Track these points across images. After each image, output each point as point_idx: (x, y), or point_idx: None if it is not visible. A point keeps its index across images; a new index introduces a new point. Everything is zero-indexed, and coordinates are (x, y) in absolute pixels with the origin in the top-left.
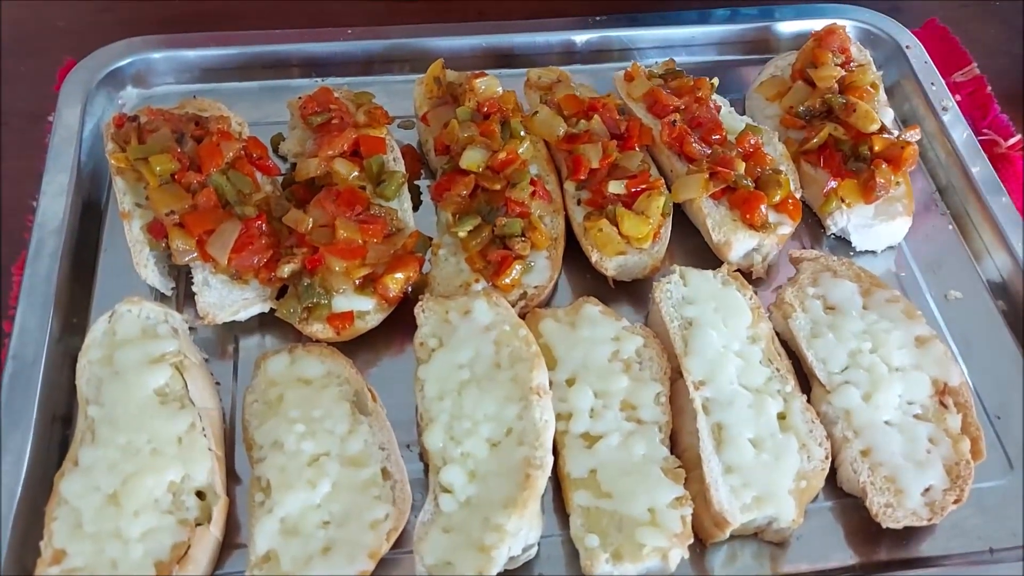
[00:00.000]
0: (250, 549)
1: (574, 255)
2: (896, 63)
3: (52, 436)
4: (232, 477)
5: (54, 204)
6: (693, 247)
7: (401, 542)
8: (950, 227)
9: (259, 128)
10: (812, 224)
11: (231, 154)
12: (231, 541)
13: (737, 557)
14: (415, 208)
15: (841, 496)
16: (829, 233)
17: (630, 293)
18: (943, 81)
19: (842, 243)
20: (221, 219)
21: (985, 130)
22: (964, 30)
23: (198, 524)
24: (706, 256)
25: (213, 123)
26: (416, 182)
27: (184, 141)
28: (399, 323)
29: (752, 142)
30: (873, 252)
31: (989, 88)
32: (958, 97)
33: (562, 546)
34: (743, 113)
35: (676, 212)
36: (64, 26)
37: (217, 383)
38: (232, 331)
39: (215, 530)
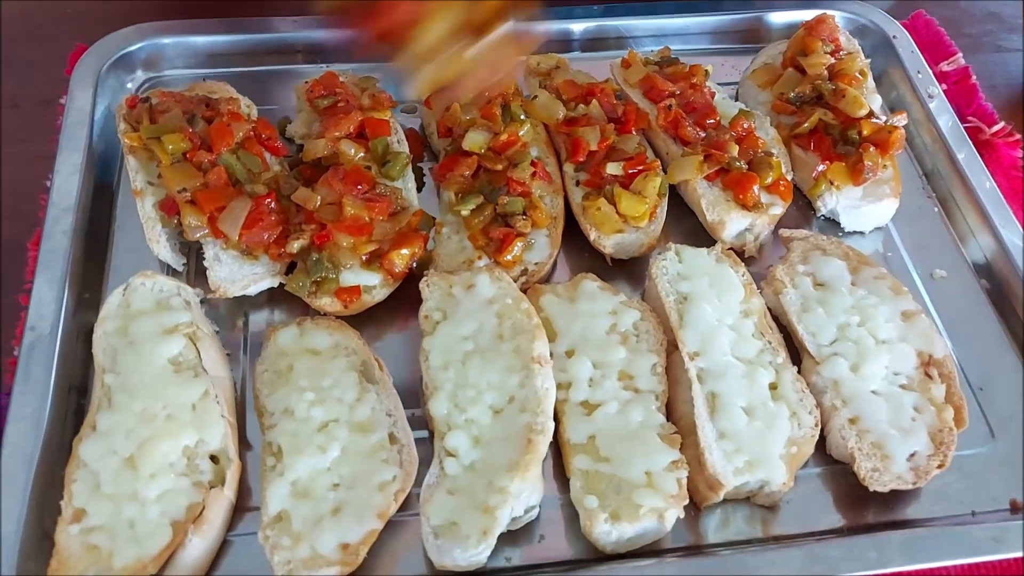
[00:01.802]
0: (262, 510)
1: (572, 235)
2: (884, 52)
3: (68, 405)
4: (243, 443)
5: (67, 183)
6: (688, 228)
7: (407, 505)
8: (935, 210)
9: (265, 113)
10: (802, 206)
11: (241, 134)
12: (243, 504)
13: (730, 520)
14: (418, 190)
15: (830, 463)
16: (819, 214)
17: (627, 271)
18: (929, 69)
19: (831, 224)
20: (232, 196)
21: (970, 117)
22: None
23: (212, 487)
24: (700, 237)
25: (223, 104)
26: (419, 164)
27: (195, 121)
28: (404, 299)
29: (745, 126)
30: (861, 233)
31: (974, 78)
32: (944, 86)
33: (561, 510)
34: (736, 100)
35: (671, 195)
36: (73, 13)
37: (228, 354)
38: (242, 306)
39: (228, 492)
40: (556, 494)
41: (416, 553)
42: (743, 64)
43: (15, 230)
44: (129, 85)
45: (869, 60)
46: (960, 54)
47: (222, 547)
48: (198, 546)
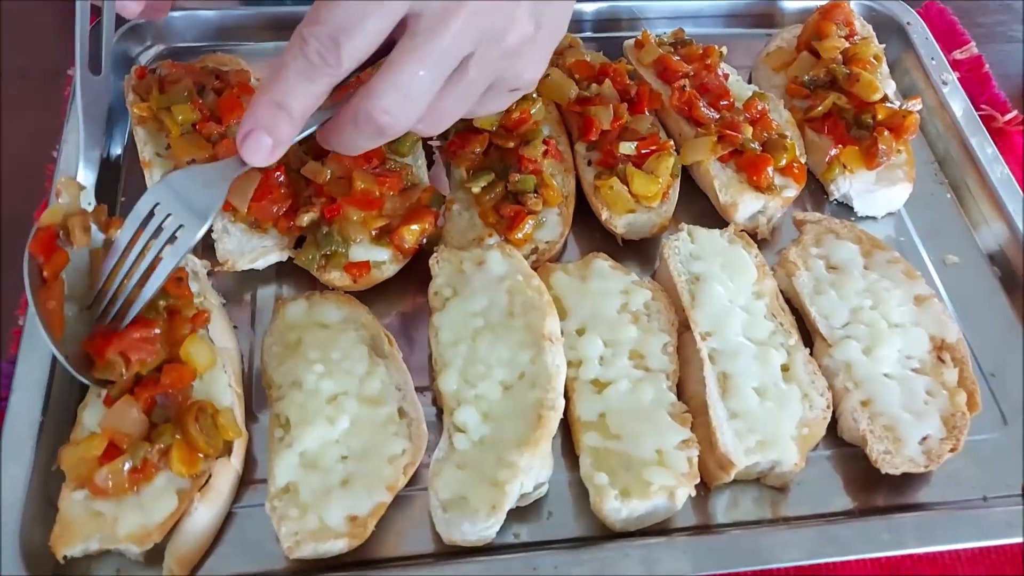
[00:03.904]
0: (270, 482)
1: (583, 216)
2: (897, 39)
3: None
4: (249, 417)
5: (74, 155)
6: (700, 211)
7: (415, 481)
8: (948, 196)
9: None
10: (815, 191)
11: None
12: (249, 477)
13: (739, 501)
14: (427, 168)
15: (840, 445)
16: (831, 199)
17: (638, 252)
18: (943, 56)
19: (844, 210)
20: None
21: (983, 106)
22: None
23: (218, 457)
24: (712, 220)
25: (233, 76)
26: (428, 142)
27: (205, 93)
28: (413, 276)
29: (759, 108)
30: (874, 218)
31: (987, 67)
32: (957, 74)
33: (569, 488)
34: (749, 83)
35: (683, 178)
36: None
37: (235, 327)
38: (250, 280)
39: (235, 462)
40: (565, 472)
41: (424, 529)
42: (756, 48)
43: (21, 200)
44: (139, 58)
45: (883, 46)
46: (973, 43)
47: (227, 519)
48: (204, 515)
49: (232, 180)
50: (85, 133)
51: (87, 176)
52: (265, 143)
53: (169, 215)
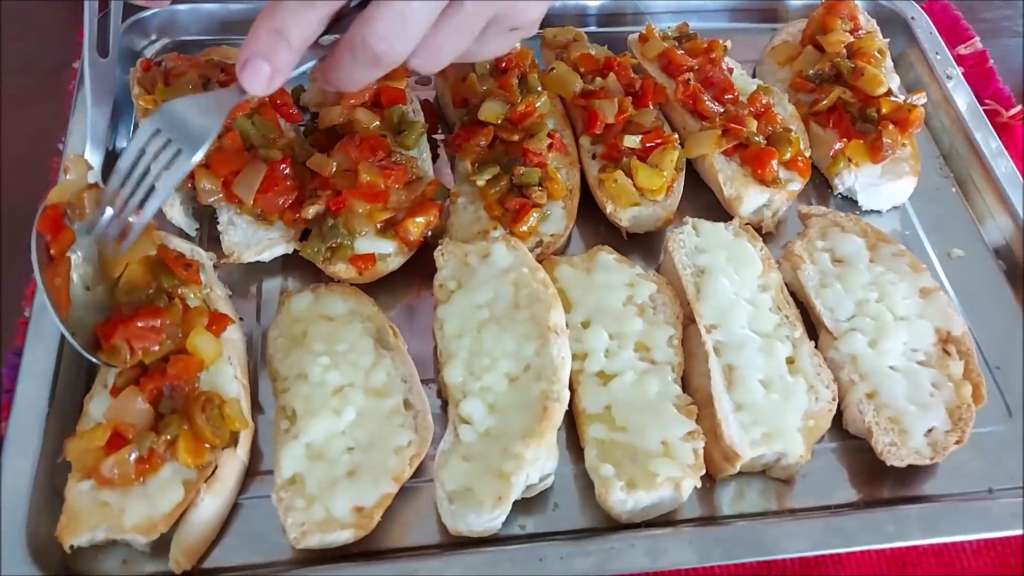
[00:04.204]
0: (276, 473)
1: (587, 210)
2: (901, 34)
3: (81, 364)
4: (255, 408)
5: (79, 147)
6: (704, 205)
7: (420, 472)
8: (953, 190)
9: None
10: (819, 185)
11: (255, 100)
12: (255, 468)
13: (744, 494)
14: (432, 162)
15: (845, 438)
16: (836, 193)
17: (642, 246)
18: (947, 50)
19: (848, 204)
20: (246, 161)
21: (987, 100)
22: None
23: (224, 448)
24: (717, 214)
25: None
26: (433, 136)
27: (210, 86)
28: (418, 269)
29: (763, 102)
30: (878, 212)
31: (991, 62)
32: (961, 69)
33: (574, 480)
34: (754, 78)
35: (687, 173)
36: None
37: (241, 318)
38: (255, 273)
39: (241, 453)
40: (570, 464)
41: (430, 520)
42: (761, 43)
43: (23, 195)
44: (144, 52)
45: (887, 40)
46: (977, 38)
47: (233, 510)
48: (210, 505)
49: (230, 108)
50: (92, 113)
51: (94, 157)
52: (264, 70)
53: (169, 141)
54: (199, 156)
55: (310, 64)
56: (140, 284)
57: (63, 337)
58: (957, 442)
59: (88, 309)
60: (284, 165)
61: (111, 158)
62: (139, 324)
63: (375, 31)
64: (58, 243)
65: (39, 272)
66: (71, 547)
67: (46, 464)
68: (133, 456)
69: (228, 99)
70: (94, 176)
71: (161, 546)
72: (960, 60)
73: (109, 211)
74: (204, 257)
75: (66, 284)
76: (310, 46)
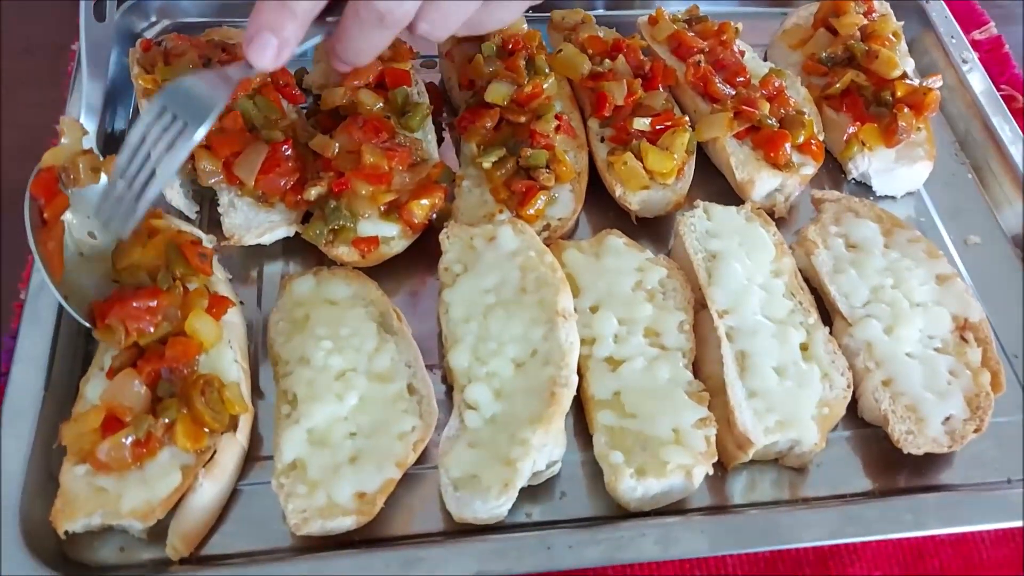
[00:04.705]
0: (276, 458)
1: (596, 196)
2: (916, 18)
3: (77, 348)
4: (255, 393)
5: (75, 111)
6: (715, 190)
7: (424, 459)
8: (969, 176)
9: None
10: (832, 170)
11: (257, 80)
12: (254, 454)
13: (757, 483)
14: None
15: (860, 426)
16: (850, 178)
17: (651, 231)
18: (963, 35)
19: (862, 190)
20: (248, 142)
21: (1003, 86)
22: None
23: (224, 432)
24: (728, 199)
25: (240, 49)
26: (438, 119)
27: (210, 66)
28: (422, 253)
29: (776, 84)
30: (892, 198)
31: (1007, 47)
32: (976, 55)
33: (582, 467)
34: (765, 62)
35: (698, 158)
36: None
37: (241, 302)
38: (256, 256)
39: (241, 437)
40: (577, 452)
41: (434, 507)
42: (772, 27)
43: (24, 175)
44: (143, 34)
45: (902, 24)
46: (992, 23)
47: (232, 497)
48: (208, 491)
49: (237, 83)
50: (88, 79)
51: (89, 123)
52: (271, 43)
53: (175, 117)
54: (204, 130)
55: (316, 39)
56: (145, 264)
57: (59, 320)
58: (976, 430)
59: (82, 274)
60: (286, 146)
61: (110, 142)
62: (134, 304)
63: None
64: (52, 207)
65: (31, 234)
66: (66, 533)
67: (41, 448)
68: (129, 440)
69: (235, 74)
70: (89, 142)
71: (158, 533)
72: (975, 45)
73: (119, 184)
74: (204, 240)
75: (59, 248)
76: (316, 21)
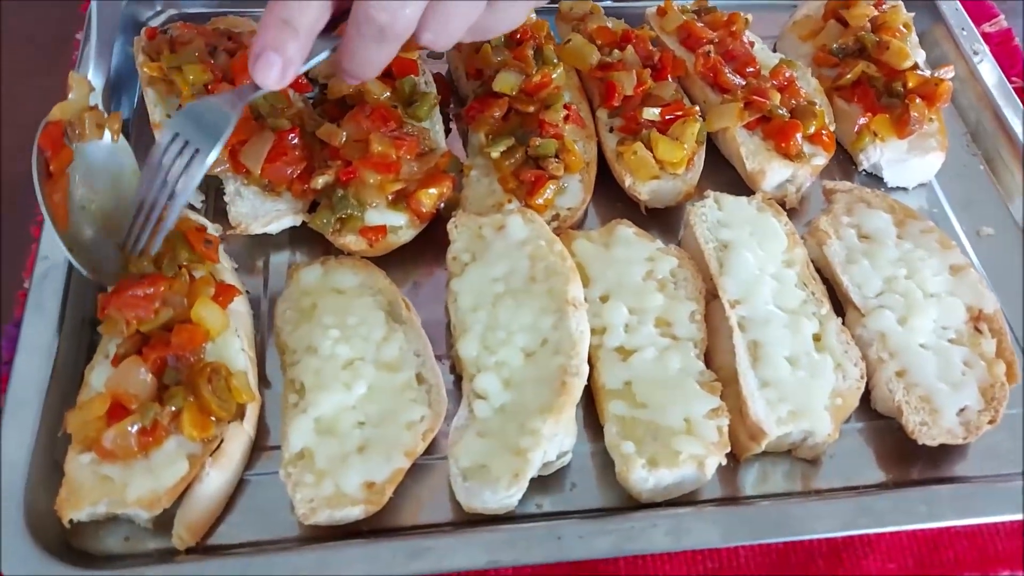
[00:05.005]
0: (284, 448)
1: (605, 187)
2: (926, 10)
3: (82, 338)
4: (262, 383)
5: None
6: (726, 181)
7: (434, 449)
8: (981, 167)
9: None
10: (843, 161)
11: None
12: (262, 444)
13: (769, 475)
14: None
15: (873, 418)
16: (861, 169)
17: (661, 221)
18: (974, 27)
19: (874, 182)
20: (254, 131)
21: (1013, 78)
22: None
23: (231, 421)
24: (738, 191)
25: (247, 37)
26: (445, 110)
27: (217, 54)
28: (429, 243)
29: (787, 75)
30: (904, 189)
31: (1017, 40)
32: (987, 47)
33: (592, 459)
34: (775, 54)
35: (708, 149)
36: None
37: (247, 291)
38: (262, 245)
39: (248, 427)
40: (587, 443)
41: (443, 497)
42: (781, 19)
43: (27, 166)
44: (149, 23)
45: (912, 15)
46: (1002, 16)
47: (239, 487)
48: (215, 480)
49: (245, 103)
50: (97, 38)
51: (96, 80)
52: (275, 63)
53: (187, 142)
54: (215, 154)
55: (323, 55)
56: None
57: (64, 308)
58: (991, 421)
59: (84, 226)
60: (293, 135)
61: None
62: (130, 293)
63: (375, 2)
64: (58, 160)
65: (39, 186)
66: (70, 522)
67: (45, 437)
68: (135, 428)
69: (242, 95)
70: (95, 98)
71: (164, 523)
72: (985, 38)
73: (136, 220)
74: (210, 228)
75: (64, 201)
76: (322, 36)
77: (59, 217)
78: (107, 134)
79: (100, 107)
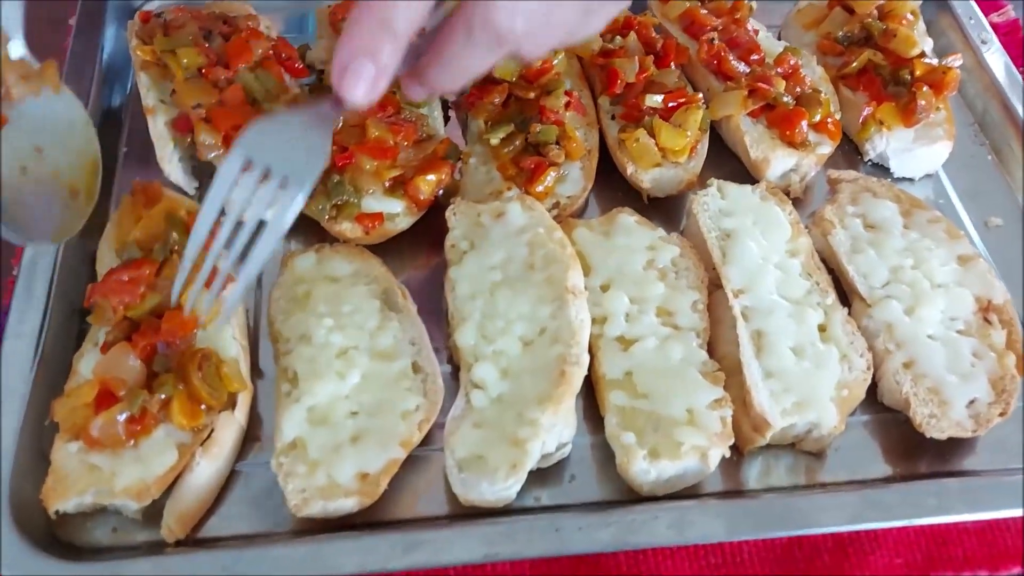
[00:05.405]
0: (276, 437)
1: (606, 176)
2: (933, 0)
3: (71, 327)
4: (255, 372)
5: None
6: (729, 170)
7: (430, 441)
8: (989, 158)
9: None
10: (848, 152)
11: (260, 52)
12: (254, 434)
13: (772, 469)
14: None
15: (878, 411)
16: (867, 160)
17: (663, 211)
18: (981, 15)
19: (879, 171)
20: (249, 116)
21: (1021, 69)
22: None
23: (222, 410)
24: (742, 179)
25: (242, 21)
26: (443, 97)
27: (212, 38)
28: (427, 231)
29: (791, 63)
30: (910, 180)
31: None
32: (995, 36)
33: (592, 451)
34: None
35: (711, 139)
36: None
37: None
38: None
39: (239, 415)
40: (587, 435)
41: (439, 489)
42: (785, 8)
43: None
44: (143, 8)
45: (919, 2)
46: (1010, 5)
47: (230, 478)
48: (205, 470)
49: (332, 126)
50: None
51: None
52: (367, 72)
53: (267, 171)
54: (314, 180)
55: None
56: (140, 238)
57: (51, 296)
58: (1001, 414)
59: (24, 192)
60: None
61: (107, 118)
62: (115, 278)
63: (499, 2)
64: None
65: None
66: (57, 513)
67: (32, 427)
68: (123, 416)
69: (327, 115)
70: (17, 50)
71: (153, 514)
72: (993, 28)
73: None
74: None
75: None
76: None
77: None
78: (44, 89)
79: (27, 57)
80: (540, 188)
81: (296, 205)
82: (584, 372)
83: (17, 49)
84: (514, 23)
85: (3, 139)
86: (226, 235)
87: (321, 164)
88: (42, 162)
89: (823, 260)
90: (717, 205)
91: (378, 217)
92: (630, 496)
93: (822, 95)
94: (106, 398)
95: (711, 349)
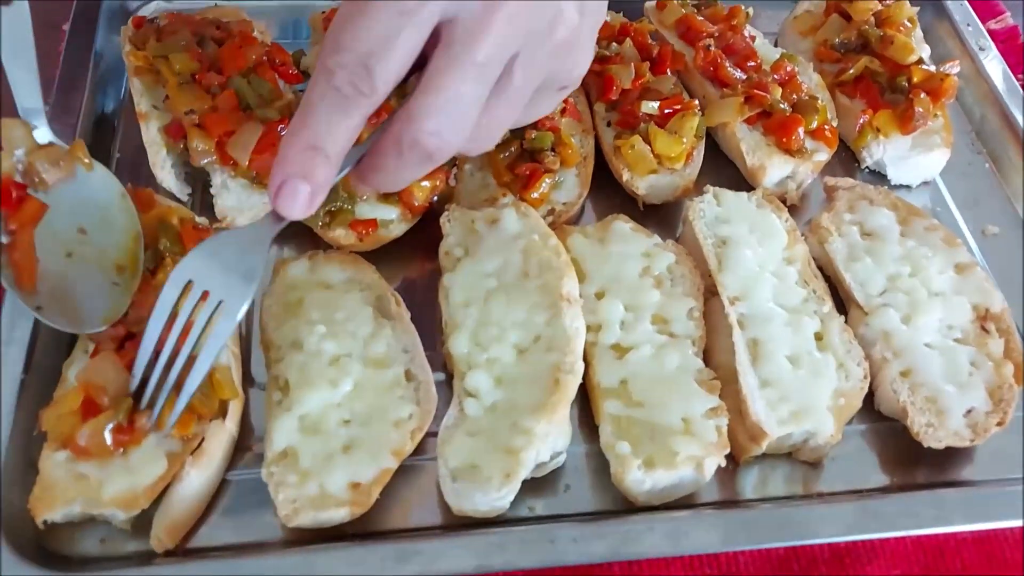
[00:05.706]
0: (267, 446)
1: (601, 183)
2: (931, 7)
3: (62, 335)
4: (246, 381)
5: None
6: (725, 178)
7: (423, 450)
8: (986, 165)
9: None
10: (846, 159)
11: (253, 58)
12: (245, 443)
13: (768, 479)
14: None
15: (876, 420)
16: (864, 166)
17: (659, 218)
18: (979, 22)
19: (876, 179)
20: (242, 122)
21: (1018, 77)
22: None
23: (212, 419)
24: (738, 186)
25: (236, 27)
26: None
27: (205, 44)
28: (422, 238)
29: (788, 70)
30: (907, 187)
31: (1023, 38)
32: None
33: (587, 460)
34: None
35: (707, 146)
36: None
37: None
38: None
39: (230, 424)
40: (582, 444)
41: (432, 499)
42: (781, 15)
43: None
44: (136, 13)
45: (917, 10)
46: (1008, 13)
47: (220, 487)
48: (195, 480)
49: (270, 240)
50: (12, 68)
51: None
52: (302, 192)
53: (205, 291)
54: (245, 307)
55: (347, 169)
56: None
57: None
58: (999, 424)
59: (69, 276)
60: (282, 126)
61: (100, 124)
62: None
63: (425, 128)
64: (19, 217)
65: None
66: (44, 523)
67: (20, 435)
68: (111, 425)
69: (265, 231)
70: (43, 136)
71: (142, 524)
72: (991, 35)
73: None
74: (196, 220)
75: (28, 257)
76: None
77: (25, 278)
78: (78, 169)
79: (55, 142)
80: (535, 195)
81: (230, 324)
82: (579, 380)
83: (43, 135)
84: (445, 142)
85: (46, 227)
86: (166, 357)
87: (253, 282)
88: (87, 244)
89: (820, 268)
90: (713, 212)
91: (372, 224)
92: (625, 506)
93: (819, 102)
94: (92, 405)
95: (707, 357)
